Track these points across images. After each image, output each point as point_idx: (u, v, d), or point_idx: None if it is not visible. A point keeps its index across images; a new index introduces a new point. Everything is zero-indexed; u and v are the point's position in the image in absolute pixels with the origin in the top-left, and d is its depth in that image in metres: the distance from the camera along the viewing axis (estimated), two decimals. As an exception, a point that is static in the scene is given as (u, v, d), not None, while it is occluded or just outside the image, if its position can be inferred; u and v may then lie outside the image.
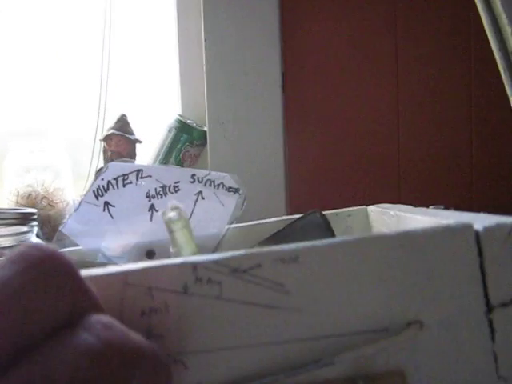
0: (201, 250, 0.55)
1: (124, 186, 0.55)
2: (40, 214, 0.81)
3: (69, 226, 0.55)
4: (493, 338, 0.28)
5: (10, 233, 0.67)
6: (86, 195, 0.55)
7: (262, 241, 0.53)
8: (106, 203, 0.55)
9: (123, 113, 1.18)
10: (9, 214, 0.72)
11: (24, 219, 0.73)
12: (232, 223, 0.55)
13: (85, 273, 0.30)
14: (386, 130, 1.12)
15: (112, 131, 1.14)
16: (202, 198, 0.55)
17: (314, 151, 1.12)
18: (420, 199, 1.04)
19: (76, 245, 0.56)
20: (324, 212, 0.55)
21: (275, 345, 0.29)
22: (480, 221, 0.30)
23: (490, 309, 0.28)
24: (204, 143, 1.18)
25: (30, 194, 0.97)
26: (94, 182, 0.56)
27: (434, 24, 1.13)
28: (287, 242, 0.53)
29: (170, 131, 1.16)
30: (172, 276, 0.29)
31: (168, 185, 0.55)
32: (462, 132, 1.13)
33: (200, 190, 0.55)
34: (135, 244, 0.55)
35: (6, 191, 1.01)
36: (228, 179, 0.55)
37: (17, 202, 0.97)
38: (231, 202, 0.55)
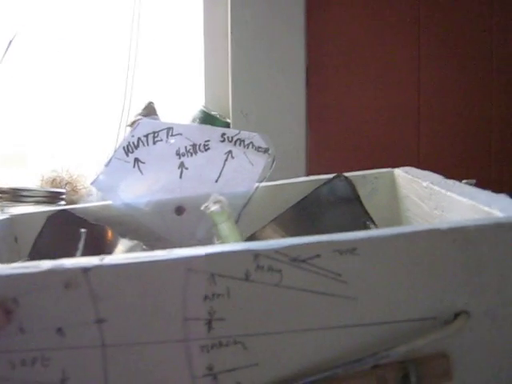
0: (230, 207, 0.56)
1: (154, 143, 0.56)
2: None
3: (99, 182, 0.56)
4: (535, 329, 0.30)
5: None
6: (116, 151, 0.56)
7: (290, 207, 0.54)
8: (136, 160, 0.56)
9: (150, 100, 1.18)
10: (38, 193, 0.73)
11: (53, 198, 0.74)
12: (261, 182, 0.56)
13: (148, 257, 0.31)
14: (407, 123, 1.14)
15: (140, 117, 1.14)
16: (232, 157, 0.55)
17: (336, 144, 1.14)
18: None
19: (105, 200, 0.57)
20: (351, 173, 0.56)
21: (331, 330, 0.31)
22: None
23: (534, 301, 0.30)
24: (227, 135, 1.18)
25: (54, 179, 0.97)
26: (124, 139, 0.56)
27: (456, 15, 1.12)
28: (314, 208, 0.55)
29: (193, 122, 1.16)
30: (234, 263, 0.30)
31: (198, 143, 0.56)
32: (481, 120, 1.14)
33: (230, 149, 0.56)
34: (165, 200, 0.56)
35: (30, 175, 1.01)
36: (258, 139, 0.56)
37: (41, 187, 0.97)
38: (260, 161, 0.55)
